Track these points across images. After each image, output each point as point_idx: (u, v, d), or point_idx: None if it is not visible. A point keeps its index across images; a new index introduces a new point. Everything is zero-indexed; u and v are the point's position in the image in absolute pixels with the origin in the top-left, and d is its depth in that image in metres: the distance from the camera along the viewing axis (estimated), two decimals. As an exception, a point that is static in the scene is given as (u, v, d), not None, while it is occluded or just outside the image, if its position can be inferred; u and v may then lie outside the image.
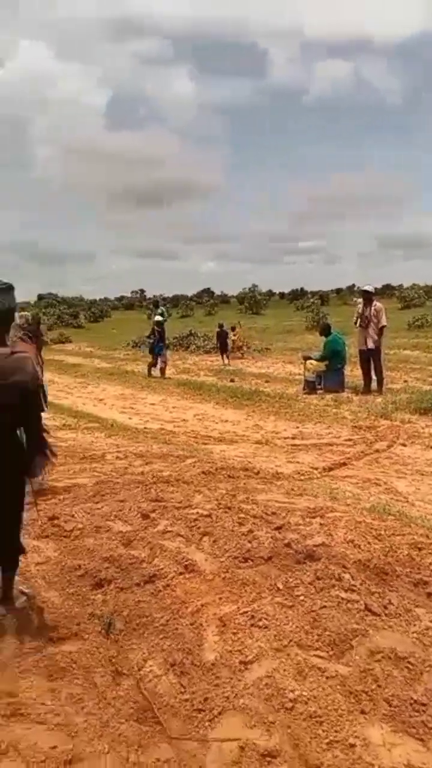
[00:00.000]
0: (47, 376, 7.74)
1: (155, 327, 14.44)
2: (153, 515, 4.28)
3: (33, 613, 2.98)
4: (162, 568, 3.46)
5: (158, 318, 14.96)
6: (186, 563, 3.51)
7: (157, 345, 14.25)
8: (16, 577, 3.12)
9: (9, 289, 2.80)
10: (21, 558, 3.16)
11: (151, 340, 14.58)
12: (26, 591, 3.13)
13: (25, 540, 3.37)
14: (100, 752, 2.08)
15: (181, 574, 3.42)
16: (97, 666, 2.59)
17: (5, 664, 2.54)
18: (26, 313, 5.33)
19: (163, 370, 13.99)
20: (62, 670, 2.53)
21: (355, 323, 11.06)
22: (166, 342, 14.85)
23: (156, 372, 14.02)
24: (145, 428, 8.56)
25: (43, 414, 2.82)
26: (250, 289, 51.91)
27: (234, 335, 18.11)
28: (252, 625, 2.90)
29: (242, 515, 4.22)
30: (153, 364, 14.12)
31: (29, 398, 2.71)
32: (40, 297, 52.22)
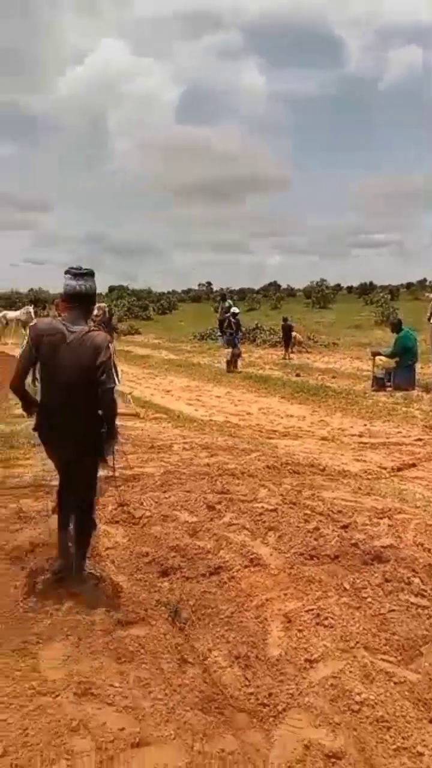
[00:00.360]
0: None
1: (231, 318, 14.34)
2: (218, 507, 4.31)
3: (102, 595, 3.07)
4: (227, 561, 3.49)
5: (235, 309, 14.89)
6: (251, 557, 3.52)
7: (235, 336, 14.14)
8: (88, 561, 3.24)
9: (91, 274, 3.03)
10: (93, 534, 3.36)
11: (230, 332, 14.37)
12: (96, 573, 3.24)
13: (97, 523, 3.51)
14: (166, 737, 2.12)
15: (246, 567, 3.43)
16: (163, 652, 2.64)
17: (78, 644, 2.63)
18: (103, 304, 5.46)
19: (229, 363, 13.94)
20: (131, 653, 2.60)
21: (429, 319, 10.69)
22: (241, 334, 14.69)
23: (234, 363, 13.82)
24: (210, 420, 8.62)
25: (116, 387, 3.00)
26: (317, 283, 51.10)
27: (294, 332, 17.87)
28: (317, 623, 2.88)
29: (308, 512, 4.19)
30: (238, 355, 13.93)
31: (102, 367, 2.84)
32: (111, 289, 53.35)
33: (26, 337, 3.07)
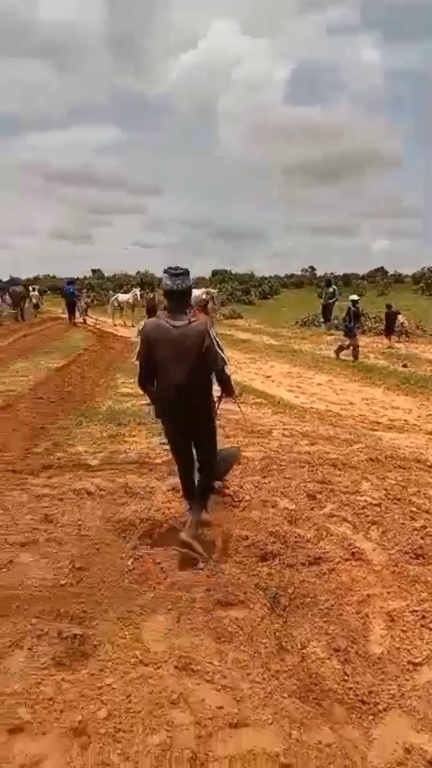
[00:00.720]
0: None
1: (351, 307, 13.90)
2: (319, 497, 4.24)
3: (204, 574, 3.13)
4: (327, 552, 3.43)
5: (354, 297, 14.46)
6: (353, 550, 3.43)
7: (354, 326, 13.72)
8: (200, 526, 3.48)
9: (186, 273, 3.36)
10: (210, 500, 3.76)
11: (348, 322, 13.91)
12: (206, 538, 3.41)
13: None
14: (264, 722, 2.13)
15: (347, 560, 3.35)
16: (261, 637, 2.64)
17: (179, 619, 2.69)
18: (213, 290, 5.52)
19: (339, 351, 13.51)
20: (229, 634, 2.62)
21: None
22: (360, 323, 14.17)
23: (355, 355, 13.40)
24: (311, 408, 8.48)
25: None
26: (429, 268, 48.38)
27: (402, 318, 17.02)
28: (423, 625, 2.76)
29: (414, 509, 4.01)
30: (355, 347, 13.55)
31: (207, 354, 3.27)
32: (214, 273, 53.74)
33: (138, 336, 3.41)
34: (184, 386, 3.27)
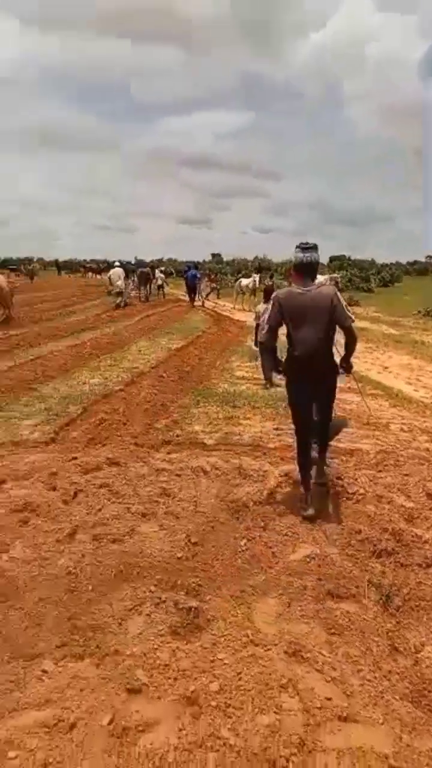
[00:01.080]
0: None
1: None
2: (439, 497, 4.04)
3: (315, 563, 3.11)
4: (447, 555, 3.26)
5: None
6: None
7: None
8: (326, 467, 4.01)
9: (315, 248, 3.76)
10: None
11: None
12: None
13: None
14: (374, 720, 2.09)
15: (468, 566, 3.17)
16: (373, 634, 2.58)
17: (289, 604, 2.71)
18: (336, 275, 5.42)
19: None
20: (340, 627, 2.59)
21: None
22: None
23: None
24: (432, 403, 8.07)
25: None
26: None
27: None
28: None
29: None
30: None
31: (335, 311, 3.62)
32: (332, 259, 52.25)
33: (263, 305, 3.58)
34: (314, 346, 3.63)
